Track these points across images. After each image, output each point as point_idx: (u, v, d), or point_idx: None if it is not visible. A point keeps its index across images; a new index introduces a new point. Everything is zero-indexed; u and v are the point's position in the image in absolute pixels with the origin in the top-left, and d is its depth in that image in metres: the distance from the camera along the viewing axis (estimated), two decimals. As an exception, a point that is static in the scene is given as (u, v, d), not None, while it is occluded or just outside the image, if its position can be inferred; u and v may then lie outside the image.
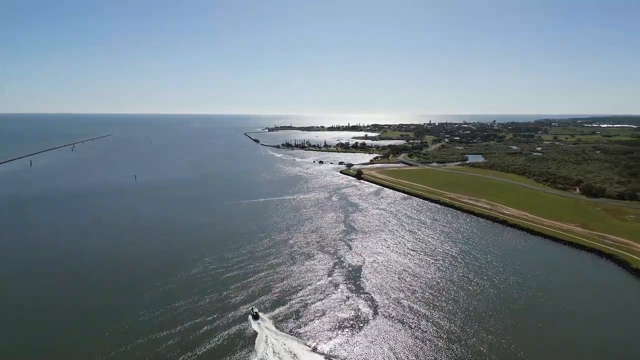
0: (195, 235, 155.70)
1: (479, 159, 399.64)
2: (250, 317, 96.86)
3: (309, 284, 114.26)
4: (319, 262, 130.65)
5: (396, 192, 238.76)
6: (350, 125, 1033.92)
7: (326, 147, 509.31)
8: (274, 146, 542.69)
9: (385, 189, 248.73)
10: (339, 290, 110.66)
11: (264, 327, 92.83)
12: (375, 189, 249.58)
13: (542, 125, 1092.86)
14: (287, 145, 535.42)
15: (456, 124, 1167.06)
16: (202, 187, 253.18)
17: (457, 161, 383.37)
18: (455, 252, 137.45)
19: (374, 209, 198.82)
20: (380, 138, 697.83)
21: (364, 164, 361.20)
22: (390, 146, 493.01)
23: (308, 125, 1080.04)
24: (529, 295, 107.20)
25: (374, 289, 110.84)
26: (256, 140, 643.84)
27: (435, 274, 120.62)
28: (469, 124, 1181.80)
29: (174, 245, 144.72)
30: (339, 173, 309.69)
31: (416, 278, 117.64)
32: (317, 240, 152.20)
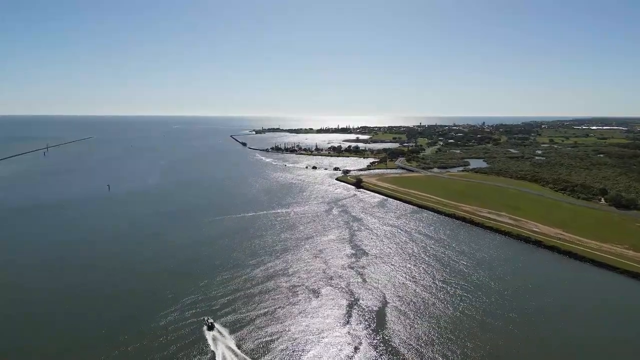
0: (171, 265, 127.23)
1: (481, 163, 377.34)
2: (204, 328, 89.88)
3: (321, 338, 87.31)
4: (328, 301, 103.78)
5: (403, 203, 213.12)
6: (340, 127, 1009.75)
7: (318, 151, 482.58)
8: (263, 150, 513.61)
9: (389, 199, 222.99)
10: (362, 349, 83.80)
11: (221, 345, 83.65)
12: (378, 199, 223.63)
13: (531, 127, 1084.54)
14: (277, 149, 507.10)
15: (446, 126, 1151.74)
16: (182, 199, 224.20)
17: (458, 166, 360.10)
18: (500, 286, 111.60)
19: (382, 225, 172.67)
20: (372, 141, 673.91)
21: (361, 169, 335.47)
22: (385, 150, 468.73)
23: (296, 128, 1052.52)
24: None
25: (409, 347, 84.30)
26: (243, 144, 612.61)
27: (484, 319, 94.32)
28: (459, 126, 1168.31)
29: (144, 280, 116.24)
30: (335, 180, 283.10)
31: (461, 328, 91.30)
32: (322, 268, 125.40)
